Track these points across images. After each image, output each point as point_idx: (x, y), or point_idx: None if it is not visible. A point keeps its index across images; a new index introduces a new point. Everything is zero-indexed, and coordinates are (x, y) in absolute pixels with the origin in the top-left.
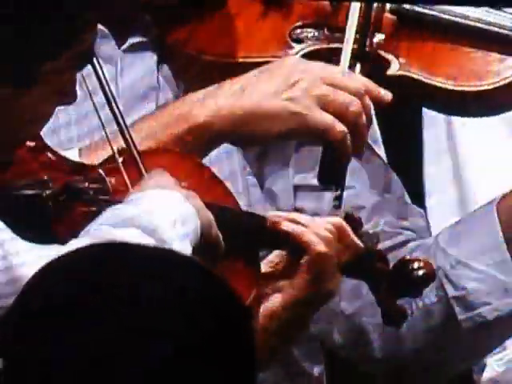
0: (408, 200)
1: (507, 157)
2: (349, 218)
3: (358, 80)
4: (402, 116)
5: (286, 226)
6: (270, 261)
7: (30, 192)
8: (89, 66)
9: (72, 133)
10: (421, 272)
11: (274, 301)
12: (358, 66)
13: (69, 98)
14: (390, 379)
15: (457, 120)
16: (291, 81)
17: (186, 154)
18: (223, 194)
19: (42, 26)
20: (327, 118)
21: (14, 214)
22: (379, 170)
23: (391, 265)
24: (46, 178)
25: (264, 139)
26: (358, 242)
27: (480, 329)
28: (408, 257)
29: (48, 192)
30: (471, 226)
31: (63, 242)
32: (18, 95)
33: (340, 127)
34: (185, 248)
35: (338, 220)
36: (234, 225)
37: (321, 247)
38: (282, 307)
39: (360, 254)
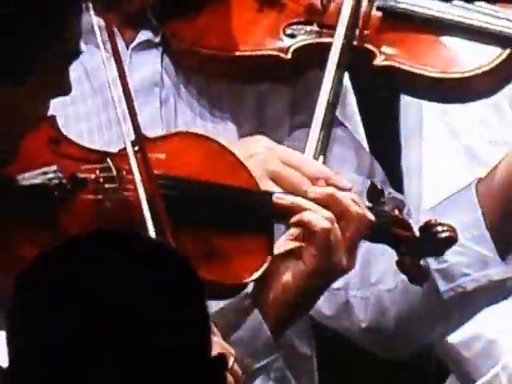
0: (389, 185)
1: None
2: (374, 186)
3: (315, 165)
4: (384, 108)
5: (293, 204)
6: (289, 234)
7: (36, 181)
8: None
9: (82, 127)
10: (445, 234)
11: (286, 274)
12: (321, 158)
13: (63, 90)
14: (374, 348)
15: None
16: (251, 152)
17: (208, 137)
18: (244, 174)
19: (28, 25)
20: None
21: (21, 203)
22: (364, 158)
23: (418, 227)
24: (55, 167)
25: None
26: (356, 209)
27: (460, 299)
28: (433, 221)
29: (54, 181)
30: (452, 206)
31: (68, 230)
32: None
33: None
34: None
35: (331, 191)
36: (248, 202)
37: (323, 224)
38: (293, 280)
39: (374, 222)
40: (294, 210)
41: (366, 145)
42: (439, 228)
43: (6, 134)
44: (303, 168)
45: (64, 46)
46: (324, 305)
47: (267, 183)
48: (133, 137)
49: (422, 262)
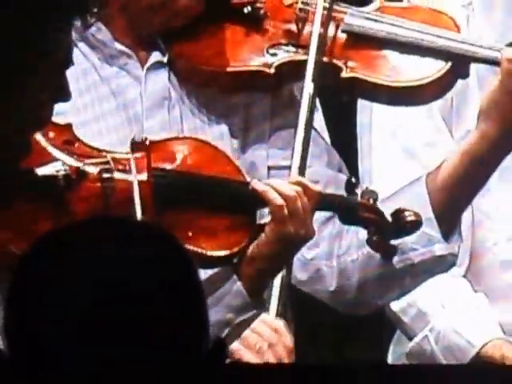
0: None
1: None
2: (349, 181)
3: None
4: (344, 111)
5: (260, 188)
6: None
7: (47, 173)
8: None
9: (101, 126)
10: (410, 218)
11: (254, 245)
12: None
13: (63, 96)
14: (339, 307)
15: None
16: None
17: (203, 139)
18: (229, 167)
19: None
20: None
21: (35, 190)
22: (333, 154)
23: (390, 213)
24: (61, 162)
25: None
26: (319, 191)
27: (408, 269)
28: (402, 208)
29: (62, 173)
30: (405, 193)
31: (76, 214)
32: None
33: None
34: None
35: (299, 178)
36: (233, 192)
37: (280, 201)
38: (258, 250)
39: (343, 205)
40: (264, 193)
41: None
42: (407, 213)
43: (14, 133)
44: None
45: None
46: (299, 272)
47: None
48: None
49: (391, 241)
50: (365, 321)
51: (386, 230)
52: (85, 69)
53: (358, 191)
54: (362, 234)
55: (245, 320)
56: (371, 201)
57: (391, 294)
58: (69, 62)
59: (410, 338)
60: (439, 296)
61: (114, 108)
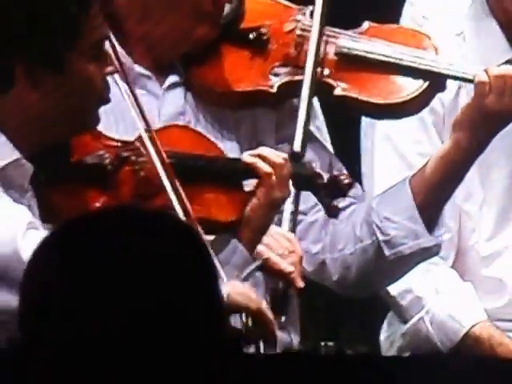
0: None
1: None
2: (294, 153)
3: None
4: (346, 121)
5: (250, 160)
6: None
7: (94, 161)
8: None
9: (119, 130)
10: (346, 181)
11: (248, 209)
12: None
13: (110, 71)
14: (340, 291)
15: None
16: None
17: (189, 127)
18: (214, 148)
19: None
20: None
21: (85, 176)
22: (326, 158)
23: (326, 178)
24: (102, 152)
25: None
26: (286, 165)
27: (399, 260)
28: (336, 173)
29: (106, 161)
30: (393, 194)
31: (120, 194)
32: (58, 79)
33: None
34: None
35: (283, 155)
36: (221, 166)
37: (269, 169)
38: (252, 212)
39: (302, 174)
40: (245, 165)
41: (331, 148)
42: (342, 177)
43: (71, 119)
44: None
45: (92, 38)
46: (306, 264)
47: None
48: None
49: (334, 202)
50: (358, 304)
51: (330, 192)
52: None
53: (305, 163)
54: (359, 231)
55: (249, 274)
56: (319, 171)
57: (385, 280)
58: (102, 38)
59: (405, 321)
60: (433, 283)
61: (126, 111)
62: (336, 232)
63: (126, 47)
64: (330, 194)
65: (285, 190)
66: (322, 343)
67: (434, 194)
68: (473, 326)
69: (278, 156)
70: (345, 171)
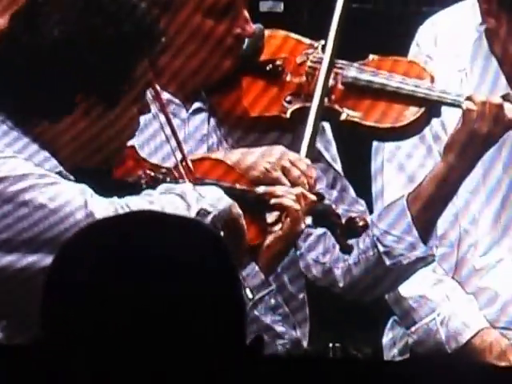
0: (353, 194)
1: None
2: (318, 194)
3: (306, 163)
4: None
5: (275, 196)
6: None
7: (132, 180)
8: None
9: (147, 151)
10: (361, 223)
11: (269, 238)
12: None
13: (145, 110)
14: (346, 296)
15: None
16: (271, 152)
17: (219, 159)
18: (244, 179)
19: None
20: (283, 179)
21: (123, 193)
22: (330, 176)
23: (344, 219)
24: (140, 173)
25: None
26: (314, 200)
27: (398, 269)
28: (353, 215)
29: (143, 181)
30: (392, 209)
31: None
32: (107, 112)
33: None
34: (204, 207)
35: (300, 190)
36: (250, 198)
37: (298, 206)
38: (274, 241)
39: (320, 211)
40: (272, 196)
41: (340, 169)
42: (358, 219)
43: (105, 149)
44: (300, 166)
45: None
46: (316, 272)
47: (277, 173)
48: (179, 157)
49: (348, 241)
50: (362, 308)
51: (346, 232)
52: None
53: (326, 202)
54: (362, 243)
55: (261, 297)
56: (338, 211)
57: (386, 287)
58: (148, 85)
59: (411, 323)
60: (444, 291)
61: (164, 141)
62: None
63: (156, 74)
64: (346, 233)
65: (303, 226)
66: (330, 345)
67: (427, 209)
68: (480, 330)
69: (300, 191)
70: (361, 206)
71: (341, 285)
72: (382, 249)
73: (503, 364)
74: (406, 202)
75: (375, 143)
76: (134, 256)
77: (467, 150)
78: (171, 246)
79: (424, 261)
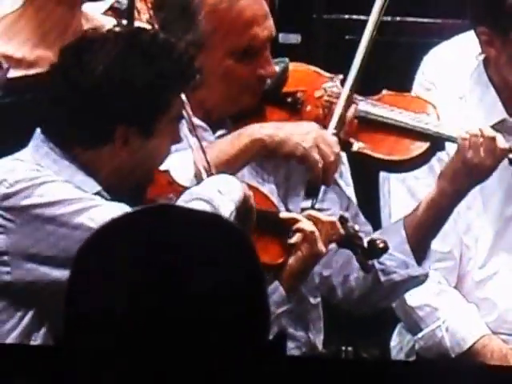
0: (362, 217)
1: None
2: (342, 217)
3: (337, 146)
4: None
5: (295, 221)
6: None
7: (163, 201)
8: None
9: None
10: (381, 245)
11: (291, 259)
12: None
13: (177, 139)
14: (346, 308)
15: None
16: (307, 131)
17: (247, 183)
18: (267, 201)
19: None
20: (316, 155)
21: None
22: (344, 202)
23: (365, 241)
24: (171, 195)
25: (283, 155)
26: (331, 226)
27: (392, 286)
28: (374, 237)
29: (172, 202)
30: (389, 230)
31: None
32: (145, 142)
33: (318, 160)
34: (230, 208)
35: (329, 218)
36: (272, 219)
37: (312, 228)
38: (296, 262)
39: (344, 235)
40: (293, 221)
41: (353, 194)
42: (378, 242)
43: (139, 173)
44: (333, 145)
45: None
46: (318, 283)
47: (313, 150)
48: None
49: (370, 261)
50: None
51: (367, 253)
52: None
53: (350, 225)
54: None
55: (282, 312)
56: (361, 234)
57: (381, 302)
58: (180, 117)
59: (418, 330)
60: (448, 300)
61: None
62: (344, 261)
63: (187, 104)
64: (367, 255)
65: (323, 248)
66: (343, 348)
67: (420, 231)
68: (482, 336)
69: (323, 218)
70: (361, 223)
71: (340, 297)
72: (378, 266)
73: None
74: (404, 223)
75: (382, 173)
76: (160, 252)
77: (459, 178)
78: (196, 243)
79: (416, 279)
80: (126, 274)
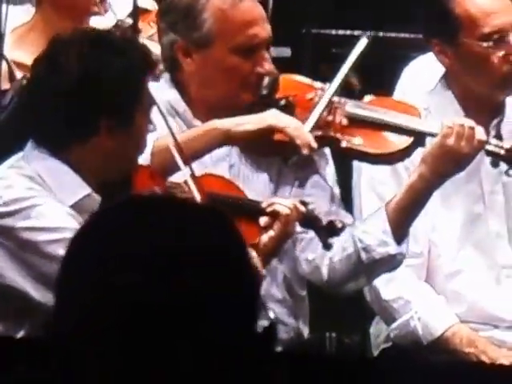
0: (343, 210)
1: None
2: (302, 201)
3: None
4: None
5: (271, 205)
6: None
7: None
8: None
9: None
10: (340, 225)
11: (269, 236)
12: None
13: (151, 126)
14: (330, 290)
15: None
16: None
17: (223, 176)
18: (239, 191)
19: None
20: (280, 122)
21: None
22: (336, 197)
23: (324, 221)
24: (156, 188)
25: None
26: (303, 210)
27: (372, 264)
28: (333, 218)
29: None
30: (373, 215)
31: None
32: (127, 129)
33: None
34: None
35: (293, 201)
36: (247, 205)
37: (287, 210)
38: (268, 241)
39: (307, 217)
40: (267, 205)
41: (337, 189)
42: (336, 222)
43: (125, 161)
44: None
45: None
46: (305, 267)
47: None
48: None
49: (329, 240)
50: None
51: (327, 232)
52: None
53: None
54: (345, 242)
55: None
56: (320, 216)
57: (363, 281)
58: (151, 105)
59: (392, 321)
60: (420, 293)
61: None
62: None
63: (189, 105)
64: (327, 234)
65: (294, 228)
66: (327, 334)
67: (402, 214)
68: (452, 326)
69: (291, 203)
70: (349, 219)
71: (325, 278)
72: (360, 245)
73: (472, 351)
74: (385, 208)
75: (355, 171)
76: (148, 242)
77: (437, 163)
78: (184, 231)
79: (394, 258)
80: (114, 268)
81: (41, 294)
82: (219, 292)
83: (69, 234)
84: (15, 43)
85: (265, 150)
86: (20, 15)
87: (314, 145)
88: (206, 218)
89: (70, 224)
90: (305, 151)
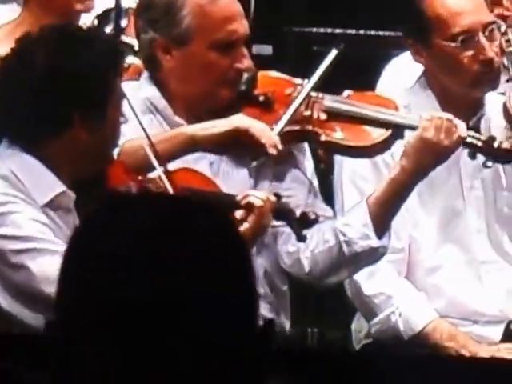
0: (323, 203)
1: None
2: (276, 194)
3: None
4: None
5: (245, 197)
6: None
7: (123, 190)
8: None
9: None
10: (313, 217)
11: (244, 228)
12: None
13: (123, 119)
14: (312, 282)
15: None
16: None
17: (196, 170)
18: (214, 185)
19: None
20: (242, 123)
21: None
22: (313, 188)
23: (298, 214)
24: (130, 184)
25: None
26: (274, 201)
27: (354, 256)
28: (306, 210)
29: (133, 190)
30: (354, 208)
31: None
32: (100, 123)
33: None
34: None
35: (267, 194)
36: (222, 198)
37: (260, 202)
38: (249, 231)
39: (281, 209)
40: (242, 198)
41: (316, 182)
42: (310, 214)
43: (101, 154)
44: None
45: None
46: (286, 260)
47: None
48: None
49: (302, 232)
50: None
51: (300, 224)
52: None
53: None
54: (326, 235)
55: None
56: (293, 208)
57: (344, 273)
58: (122, 97)
59: (373, 316)
60: (401, 288)
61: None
62: (310, 237)
63: (169, 101)
64: (300, 225)
65: (269, 220)
66: (309, 330)
67: (383, 207)
68: (432, 321)
69: (265, 195)
70: (328, 212)
71: (306, 270)
72: (341, 238)
73: (452, 345)
74: (367, 201)
75: (337, 166)
76: (145, 238)
77: (418, 155)
78: (181, 229)
79: (376, 251)
80: (111, 266)
81: (7, 303)
82: (210, 290)
83: (40, 245)
84: (2, 39)
85: (233, 152)
86: (5, 14)
87: (280, 145)
88: (200, 216)
89: (43, 235)
90: (271, 151)
